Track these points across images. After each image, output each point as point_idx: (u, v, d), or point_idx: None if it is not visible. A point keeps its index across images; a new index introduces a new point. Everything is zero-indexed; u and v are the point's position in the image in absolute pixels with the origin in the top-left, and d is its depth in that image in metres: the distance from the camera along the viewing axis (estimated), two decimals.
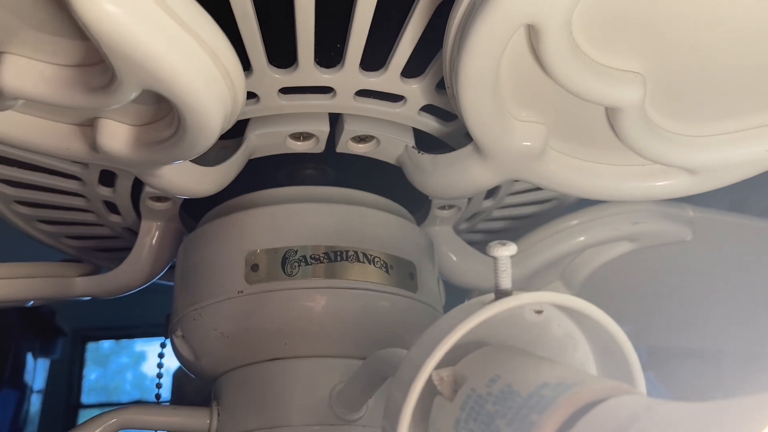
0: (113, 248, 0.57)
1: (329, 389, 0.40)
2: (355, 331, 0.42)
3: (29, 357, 2.37)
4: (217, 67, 0.28)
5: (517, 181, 0.52)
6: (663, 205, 0.55)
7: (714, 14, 0.31)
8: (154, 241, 0.50)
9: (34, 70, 0.29)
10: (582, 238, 0.55)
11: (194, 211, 0.50)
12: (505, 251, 0.26)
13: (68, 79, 0.29)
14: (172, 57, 0.26)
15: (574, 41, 0.33)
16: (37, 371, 2.42)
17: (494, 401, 0.24)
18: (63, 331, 2.48)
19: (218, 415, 0.42)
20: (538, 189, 0.54)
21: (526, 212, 0.58)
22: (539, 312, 0.29)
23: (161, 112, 0.32)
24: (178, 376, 0.70)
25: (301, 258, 0.41)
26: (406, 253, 0.44)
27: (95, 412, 0.41)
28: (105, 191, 0.47)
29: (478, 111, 0.35)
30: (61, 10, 0.27)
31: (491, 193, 0.53)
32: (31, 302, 0.54)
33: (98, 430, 0.39)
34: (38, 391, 2.48)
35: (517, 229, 0.59)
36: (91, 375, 3.15)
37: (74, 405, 2.88)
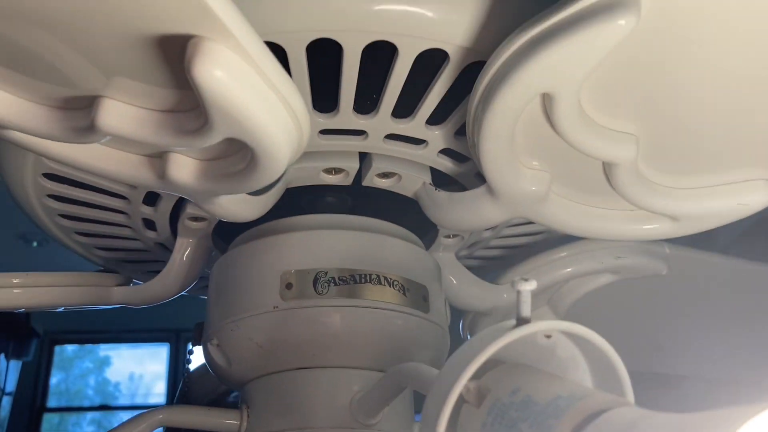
0: (141, 260, 0.61)
1: (349, 396, 0.45)
2: (374, 345, 0.47)
3: (2, 358, 2.36)
4: (291, 118, 0.33)
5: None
6: (643, 243, 0.61)
7: (701, 92, 0.38)
8: (185, 257, 0.54)
9: (130, 113, 0.34)
10: (569, 269, 0.61)
11: (223, 232, 0.55)
12: (527, 286, 0.31)
13: (160, 123, 0.34)
14: (260, 112, 0.31)
15: (581, 106, 0.38)
16: (9, 373, 2.41)
17: (517, 408, 0.30)
18: (37, 332, 2.47)
19: (248, 416, 0.47)
20: (533, 222, 0.60)
21: (520, 242, 0.64)
22: (549, 336, 0.34)
23: (230, 150, 0.37)
24: (187, 382, 0.74)
25: (330, 279, 0.46)
26: (419, 277, 0.50)
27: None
28: (147, 210, 0.52)
29: (495, 160, 0.41)
30: (158, 64, 0.32)
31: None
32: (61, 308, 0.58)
33: (144, 424, 0.44)
34: (9, 393, 2.46)
35: (510, 257, 0.65)
36: (53, 378, 3.11)
37: (39, 408, 2.84)
